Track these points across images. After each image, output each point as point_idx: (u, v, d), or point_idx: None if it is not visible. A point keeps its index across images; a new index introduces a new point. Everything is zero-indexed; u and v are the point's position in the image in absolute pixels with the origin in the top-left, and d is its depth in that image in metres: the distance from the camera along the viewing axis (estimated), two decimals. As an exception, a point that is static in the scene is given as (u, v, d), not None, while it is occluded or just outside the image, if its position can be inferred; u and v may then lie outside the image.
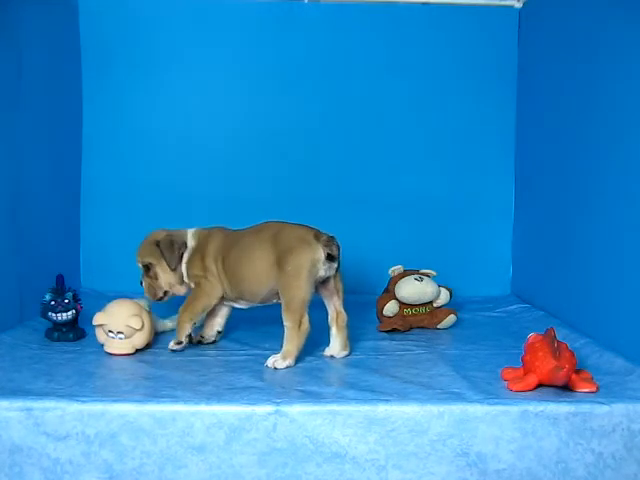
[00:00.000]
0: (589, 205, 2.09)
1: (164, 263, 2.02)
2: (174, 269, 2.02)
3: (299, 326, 1.81)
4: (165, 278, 2.04)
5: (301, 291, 1.81)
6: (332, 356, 1.92)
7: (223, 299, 2.01)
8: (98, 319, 1.91)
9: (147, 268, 2.04)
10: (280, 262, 1.84)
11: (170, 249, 2.01)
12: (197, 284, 1.99)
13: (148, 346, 1.96)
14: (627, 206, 1.85)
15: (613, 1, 1.96)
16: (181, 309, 1.98)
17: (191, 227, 2.08)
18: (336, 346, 1.93)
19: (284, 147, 2.80)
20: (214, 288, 1.97)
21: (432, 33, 2.80)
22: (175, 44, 2.77)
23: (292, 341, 1.81)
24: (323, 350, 1.94)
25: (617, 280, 1.89)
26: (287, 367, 1.79)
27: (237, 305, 2.02)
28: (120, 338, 1.90)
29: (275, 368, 1.78)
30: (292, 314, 1.81)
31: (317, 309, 1.93)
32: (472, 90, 2.82)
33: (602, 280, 1.98)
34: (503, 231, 2.86)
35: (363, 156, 2.82)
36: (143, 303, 2.01)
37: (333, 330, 1.93)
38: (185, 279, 2.03)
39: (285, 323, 1.82)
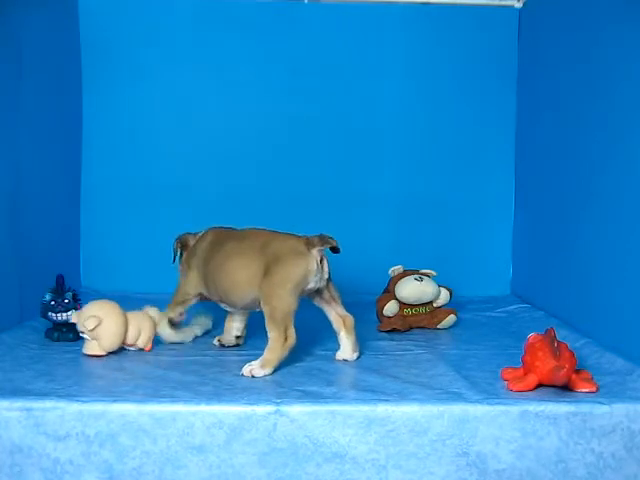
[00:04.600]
0: (589, 205, 2.09)
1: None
2: (173, 262, 2.06)
3: (285, 339, 1.73)
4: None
5: (283, 302, 1.74)
6: (345, 360, 1.87)
7: (206, 298, 2.00)
8: (73, 317, 1.91)
9: None
10: (267, 272, 1.77)
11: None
12: (181, 276, 2.02)
13: (123, 348, 1.91)
14: (627, 206, 1.84)
15: (613, 1, 1.96)
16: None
17: (202, 228, 2.08)
18: (347, 349, 1.88)
19: (283, 147, 2.81)
20: (188, 285, 2.00)
21: (432, 33, 2.80)
22: (175, 44, 2.77)
23: (274, 351, 1.72)
24: (322, 350, 1.94)
25: (617, 280, 1.89)
26: (264, 376, 1.70)
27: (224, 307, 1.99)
28: (87, 338, 1.87)
29: (252, 377, 1.69)
30: (277, 324, 1.73)
31: (314, 307, 1.92)
32: (472, 90, 2.82)
33: (602, 280, 1.98)
34: (503, 231, 2.86)
35: (363, 156, 2.82)
36: (152, 311, 1.99)
37: (342, 334, 1.87)
38: None
39: (269, 333, 1.74)
